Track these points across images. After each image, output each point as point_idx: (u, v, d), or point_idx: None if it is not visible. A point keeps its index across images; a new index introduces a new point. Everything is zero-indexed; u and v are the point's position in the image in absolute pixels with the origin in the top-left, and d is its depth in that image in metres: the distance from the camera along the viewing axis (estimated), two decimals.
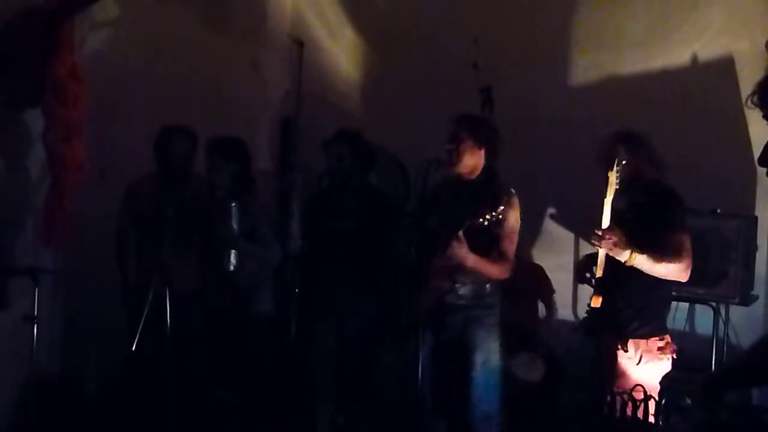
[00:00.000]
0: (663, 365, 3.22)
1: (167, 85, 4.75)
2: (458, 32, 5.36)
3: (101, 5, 4.17)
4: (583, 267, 3.46)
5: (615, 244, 3.09)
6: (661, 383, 3.14)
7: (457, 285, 3.54)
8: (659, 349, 3.21)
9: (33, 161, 4.09)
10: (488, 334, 3.57)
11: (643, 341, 3.21)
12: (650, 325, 3.24)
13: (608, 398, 2.73)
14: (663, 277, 3.13)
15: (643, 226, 3.16)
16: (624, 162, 3.18)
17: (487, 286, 3.58)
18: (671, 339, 3.29)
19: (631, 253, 3.07)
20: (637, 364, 3.20)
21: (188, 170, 4.09)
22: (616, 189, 3.18)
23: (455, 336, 3.58)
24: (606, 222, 3.18)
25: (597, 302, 3.26)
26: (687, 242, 3.13)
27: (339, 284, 4.09)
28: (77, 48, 3.96)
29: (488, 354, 3.55)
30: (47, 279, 3.91)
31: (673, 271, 3.11)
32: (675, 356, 3.24)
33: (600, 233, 3.14)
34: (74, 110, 3.83)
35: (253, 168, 4.20)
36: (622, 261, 3.11)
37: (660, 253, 3.09)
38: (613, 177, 3.17)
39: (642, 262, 3.08)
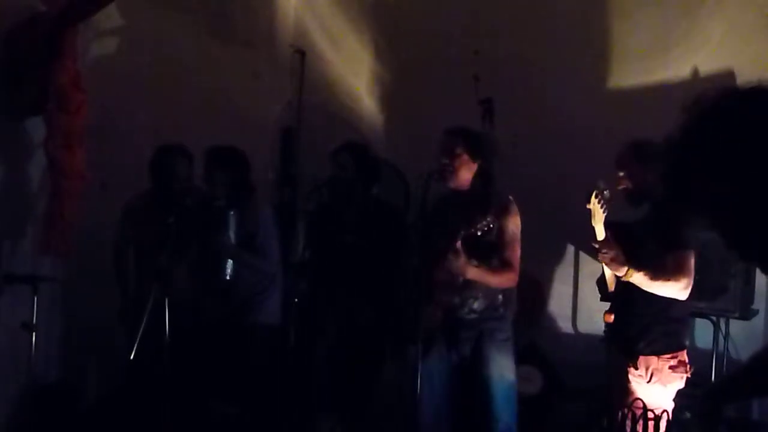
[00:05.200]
0: (675, 385, 3.14)
1: (169, 94, 4.76)
2: (459, 44, 5.38)
3: (104, 14, 4.18)
4: (603, 283, 3.41)
5: (612, 259, 3.11)
6: (674, 401, 3.10)
7: (470, 299, 3.53)
8: (671, 368, 3.13)
9: (34, 169, 4.09)
10: (502, 348, 3.55)
11: (653, 359, 3.14)
12: (660, 343, 3.17)
13: (618, 416, 2.71)
14: (661, 294, 3.10)
15: (648, 242, 3.15)
16: (605, 191, 3.20)
17: (500, 297, 3.55)
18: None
19: (629, 269, 3.07)
20: (648, 382, 3.14)
21: (186, 187, 4.07)
22: (605, 213, 3.20)
23: (468, 351, 3.56)
24: (601, 235, 3.19)
25: (609, 318, 3.28)
26: (689, 261, 3.09)
27: (341, 296, 4.08)
28: (80, 56, 3.96)
29: (503, 368, 3.53)
30: (46, 287, 3.91)
31: (671, 289, 3.08)
32: (689, 375, 3.15)
33: (597, 246, 3.16)
34: (76, 118, 3.83)
35: (252, 177, 4.20)
36: (619, 276, 3.12)
37: (659, 271, 3.08)
38: (596, 207, 3.20)
39: (639, 279, 3.08)
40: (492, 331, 3.54)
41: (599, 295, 3.51)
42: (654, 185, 3.17)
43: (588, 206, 3.23)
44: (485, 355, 3.52)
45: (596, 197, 3.21)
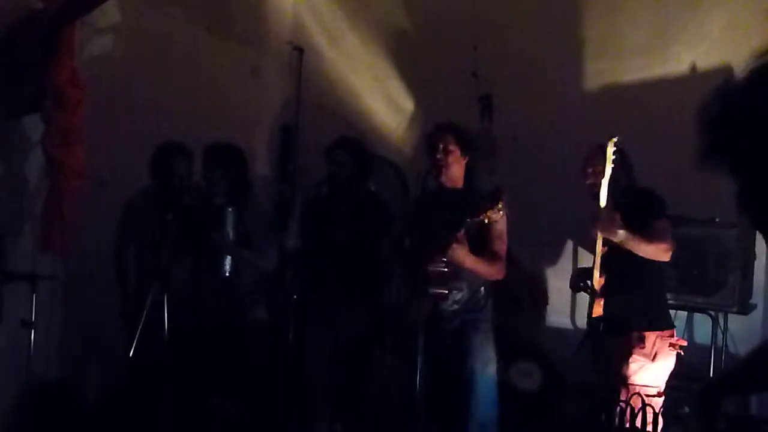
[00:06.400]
0: (672, 361, 3.37)
1: (167, 91, 4.76)
2: (458, 40, 5.37)
3: (102, 11, 4.18)
4: (577, 277, 3.63)
5: (611, 224, 3.27)
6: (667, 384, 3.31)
7: (454, 291, 3.55)
8: (671, 345, 3.36)
9: (32, 167, 4.09)
10: (484, 340, 3.58)
11: (657, 337, 3.34)
12: (661, 320, 3.43)
13: (617, 406, 2.77)
14: (649, 257, 3.29)
15: (627, 222, 3.32)
16: (617, 138, 3.34)
17: (482, 289, 3.60)
18: None
19: (627, 233, 3.25)
20: (653, 360, 3.32)
21: (186, 184, 4.07)
22: (612, 168, 3.32)
23: (450, 342, 3.58)
24: (603, 202, 3.33)
25: (599, 309, 3.40)
26: (667, 226, 3.35)
27: (336, 291, 4.08)
28: (77, 54, 3.96)
29: (485, 360, 3.55)
30: (45, 285, 3.91)
31: (659, 250, 3.29)
32: (682, 352, 3.37)
33: (597, 213, 3.30)
34: (74, 116, 3.83)
35: (250, 174, 4.20)
36: (618, 241, 3.26)
37: (646, 235, 3.29)
38: (609, 154, 3.32)
39: (636, 242, 3.26)
40: (474, 322, 3.57)
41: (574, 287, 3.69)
42: (620, 181, 3.42)
43: (607, 147, 3.32)
44: (467, 346, 3.54)
45: (614, 139, 3.33)
